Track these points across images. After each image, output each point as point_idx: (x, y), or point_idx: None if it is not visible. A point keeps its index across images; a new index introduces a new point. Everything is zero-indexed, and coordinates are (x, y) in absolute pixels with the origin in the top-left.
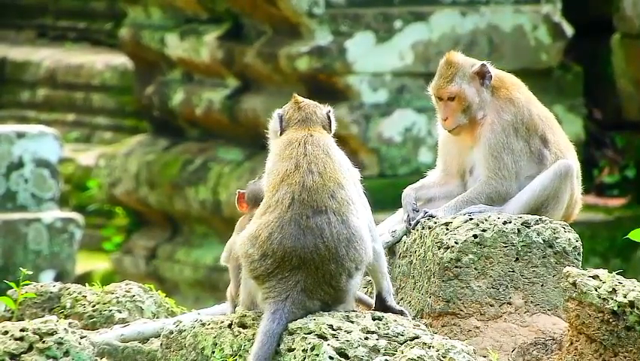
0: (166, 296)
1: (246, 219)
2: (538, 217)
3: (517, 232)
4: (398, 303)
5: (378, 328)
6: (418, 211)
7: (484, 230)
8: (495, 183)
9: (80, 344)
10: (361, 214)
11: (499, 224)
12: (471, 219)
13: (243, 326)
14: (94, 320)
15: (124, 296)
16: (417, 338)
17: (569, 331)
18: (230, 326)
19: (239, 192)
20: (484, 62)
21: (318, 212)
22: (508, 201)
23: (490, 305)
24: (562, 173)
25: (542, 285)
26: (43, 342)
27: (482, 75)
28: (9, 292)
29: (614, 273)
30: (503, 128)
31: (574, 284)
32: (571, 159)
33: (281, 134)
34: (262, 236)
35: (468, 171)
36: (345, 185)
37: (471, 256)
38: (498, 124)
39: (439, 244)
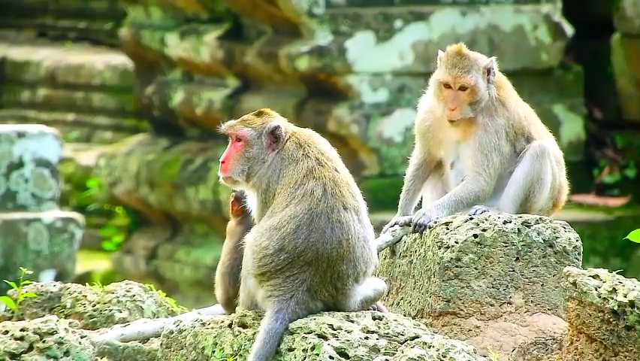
0: (166, 296)
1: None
2: (538, 217)
3: (517, 231)
4: (398, 303)
5: (379, 327)
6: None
7: (484, 230)
8: (482, 181)
9: (80, 343)
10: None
11: (499, 224)
12: (471, 218)
13: (244, 325)
14: (94, 319)
15: (124, 296)
16: (417, 337)
17: (569, 330)
18: (230, 325)
19: (234, 195)
20: (492, 58)
21: (345, 208)
22: (500, 198)
23: (491, 305)
24: (537, 153)
25: (542, 285)
26: (44, 342)
27: (489, 71)
28: (9, 291)
29: (614, 272)
30: (496, 130)
31: (574, 284)
32: (546, 142)
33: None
34: (286, 229)
35: (449, 164)
36: (354, 185)
37: (471, 255)
38: (491, 125)
39: (439, 244)
